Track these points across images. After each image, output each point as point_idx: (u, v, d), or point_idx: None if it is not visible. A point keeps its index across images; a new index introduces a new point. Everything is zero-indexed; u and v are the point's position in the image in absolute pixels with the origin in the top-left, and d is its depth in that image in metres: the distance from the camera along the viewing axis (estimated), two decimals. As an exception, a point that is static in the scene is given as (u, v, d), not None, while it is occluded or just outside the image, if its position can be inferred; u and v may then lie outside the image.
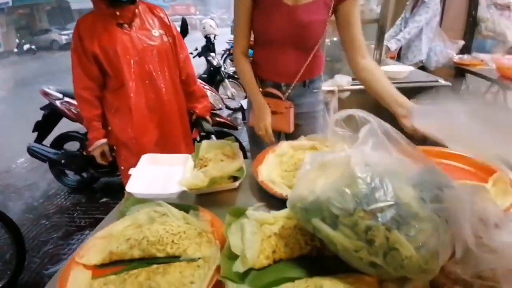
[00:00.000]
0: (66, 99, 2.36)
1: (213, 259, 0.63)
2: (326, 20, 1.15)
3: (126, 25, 1.43)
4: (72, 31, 1.49)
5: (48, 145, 2.53)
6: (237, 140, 1.19)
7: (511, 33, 3.10)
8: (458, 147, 0.90)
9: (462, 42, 3.13)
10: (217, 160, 1.02)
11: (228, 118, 2.75)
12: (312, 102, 1.35)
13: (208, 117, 1.81)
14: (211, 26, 4.21)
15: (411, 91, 2.10)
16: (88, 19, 1.40)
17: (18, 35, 17.77)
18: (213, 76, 4.16)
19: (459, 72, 3.09)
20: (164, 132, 1.62)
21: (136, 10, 1.45)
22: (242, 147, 1.52)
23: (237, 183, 0.94)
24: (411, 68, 2.32)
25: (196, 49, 4.24)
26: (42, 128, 2.51)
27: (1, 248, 1.99)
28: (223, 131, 2.47)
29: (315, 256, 0.64)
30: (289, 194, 0.75)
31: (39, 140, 2.52)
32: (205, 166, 0.99)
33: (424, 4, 2.72)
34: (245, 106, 1.90)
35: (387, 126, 0.63)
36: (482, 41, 3.42)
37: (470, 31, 3.34)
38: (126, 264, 0.66)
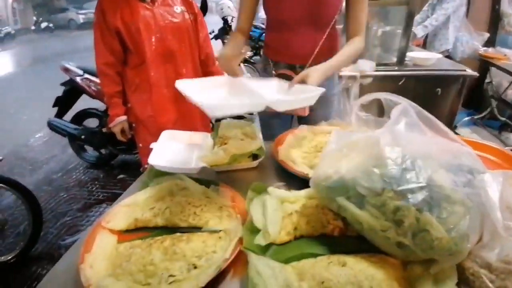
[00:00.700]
0: (87, 75, 2.39)
1: (234, 232, 0.64)
2: None
3: (148, 0, 1.42)
4: (90, 10, 1.49)
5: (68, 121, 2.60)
6: None
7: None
8: None
9: (487, 35, 3.01)
10: (237, 139, 1.02)
11: (244, 102, 2.73)
12: (327, 85, 1.30)
13: None
14: (229, 7, 4.13)
15: (438, 79, 2.04)
16: None
17: (36, 12, 17.93)
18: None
19: (483, 65, 2.98)
20: (182, 112, 1.62)
21: None
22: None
23: (256, 162, 0.94)
24: (439, 55, 2.24)
25: (213, 31, 4.19)
26: (62, 103, 2.56)
27: (15, 220, 2.04)
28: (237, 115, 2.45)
29: (336, 236, 0.64)
30: (312, 172, 0.74)
31: (59, 115, 2.58)
32: (225, 144, 0.99)
33: None
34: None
35: (420, 108, 0.62)
36: (505, 36, 3.28)
37: (494, 25, 3.24)
38: (149, 231, 0.68)
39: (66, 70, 2.43)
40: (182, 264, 0.56)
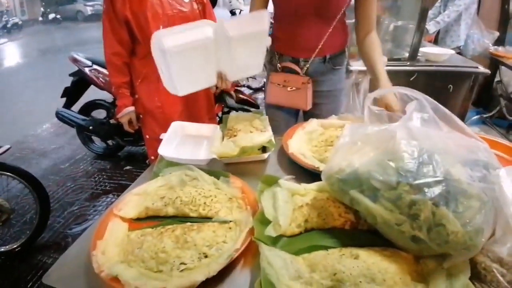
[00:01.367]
0: (95, 66, 2.39)
1: (245, 223, 0.64)
2: None
3: None
4: (97, 2, 1.48)
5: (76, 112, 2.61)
6: None
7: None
8: None
9: (497, 34, 2.98)
10: (246, 131, 1.01)
11: (251, 96, 2.73)
12: (333, 79, 1.28)
13: (232, 92, 1.78)
14: (238, 0, 4.09)
15: (450, 75, 2.01)
16: None
17: (43, 3, 17.95)
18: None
19: (493, 63, 2.95)
20: (188, 104, 1.62)
21: None
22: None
23: (266, 155, 0.94)
24: (452, 51, 2.21)
25: (221, 25, 4.16)
26: (71, 94, 2.57)
27: (22, 209, 2.05)
28: (244, 108, 2.45)
29: (347, 230, 0.63)
30: (324, 165, 0.74)
31: (67, 106, 2.59)
32: (235, 136, 0.99)
33: None
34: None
35: (436, 103, 0.61)
36: None
37: (504, 24, 3.18)
38: (160, 220, 0.68)
39: (75, 60, 2.43)
40: (193, 253, 0.57)
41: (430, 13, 2.86)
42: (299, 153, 0.90)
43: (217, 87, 1.76)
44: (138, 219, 0.69)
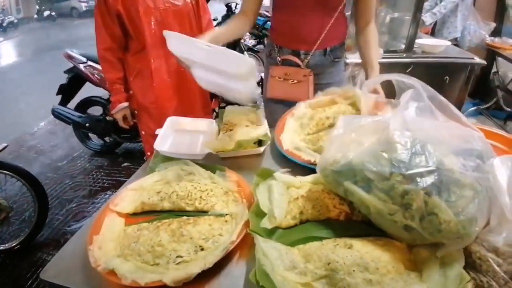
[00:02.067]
0: (90, 63, 2.37)
1: (240, 216, 0.64)
2: None
3: None
4: None
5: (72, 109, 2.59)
6: None
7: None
8: None
9: (494, 25, 2.98)
10: (242, 125, 1.01)
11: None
12: (333, 72, 1.28)
13: None
14: (233, -7, 4.05)
15: (446, 67, 2.00)
16: None
17: (38, 1, 17.76)
18: (232, 48, 4.06)
19: (490, 55, 2.95)
20: (183, 99, 1.61)
21: None
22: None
23: (262, 148, 0.94)
24: (448, 42, 2.20)
25: (216, 19, 4.12)
26: (66, 91, 2.55)
27: (20, 207, 2.04)
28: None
29: (342, 221, 0.64)
30: (319, 158, 0.74)
31: (63, 103, 2.57)
32: (230, 130, 0.99)
33: None
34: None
35: (433, 91, 0.60)
36: (511, 26, 3.23)
37: (500, 15, 3.19)
38: (156, 215, 0.69)
39: (70, 57, 2.41)
40: (189, 246, 0.57)
41: (427, 4, 2.84)
42: (293, 148, 0.90)
43: None
44: (135, 214, 0.69)
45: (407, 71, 1.94)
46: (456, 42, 2.80)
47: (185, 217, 0.64)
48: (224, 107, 2.06)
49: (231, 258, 0.60)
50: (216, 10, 4.63)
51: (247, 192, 0.72)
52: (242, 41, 4.17)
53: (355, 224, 0.62)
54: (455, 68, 1.99)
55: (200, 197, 0.70)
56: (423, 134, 0.54)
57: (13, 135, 3.34)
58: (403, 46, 2.04)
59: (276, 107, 1.31)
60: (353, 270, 0.47)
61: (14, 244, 1.80)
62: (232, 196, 0.73)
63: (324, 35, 1.15)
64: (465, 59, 2.03)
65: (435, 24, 2.86)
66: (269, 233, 0.61)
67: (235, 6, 4.18)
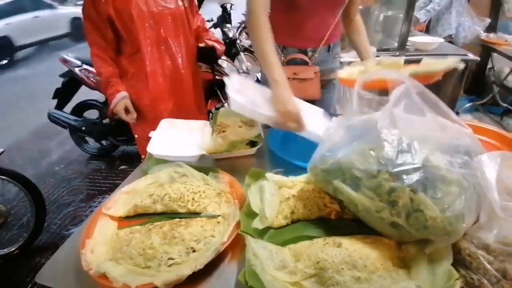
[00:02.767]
0: (85, 66, 2.36)
1: (233, 217, 0.65)
2: None
3: None
4: (75, 3, 1.43)
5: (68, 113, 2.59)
6: None
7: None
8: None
9: (488, 20, 2.97)
10: (235, 127, 1.02)
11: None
12: (333, 68, 1.30)
13: (219, 53, 1.71)
14: (228, -7, 4.04)
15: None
16: None
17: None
18: (228, 49, 4.05)
19: (485, 51, 2.95)
20: (178, 101, 1.61)
21: None
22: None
23: (255, 149, 0.95)
24: (441, 39, 2.21)
25: (211, 20, 4.11)
26: (62, 95, 2.55)
27: (18, 212, 2.00)
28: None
29: (333, 219, 0.64)
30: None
31: (59, 107, 2.57)
32: (223, 131, 0.99)
33: None
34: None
35: (423, 87, 0.61)
36: (506, 22, 3.23)
37: (495, 10, 3.18)
38: (149, 217, 0.69)
39: (65, 61, 2.40)
40: (181, 248, 0.58)
41: (421, 2, 2.85)
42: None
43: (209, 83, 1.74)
44: (128, 217, 0.70)
45: (400, 69, 1.94)
46: (450, 39, 2.81)
47: (177, 219, 0.64)
48: (218, 109, 2.06)
49: (223, 259, 0.60)
50: (211, 10, 4.63)
51: (239, 193, 0.73)
52: (238, 41, 4.17)
53: (346, 222, 0.63)
54: (448, 65, 2.00)
55: (193, 199, 0.71)
56: (411, 132, 0.55)
57: (10, 139, 3.34)
58: (396, 44, 2.05)
59: None
60: (342, 268, 0.48)
61: (13, 249, 1.80)
62: (224, 197, 0.73)
63: (329, 31, 1.17)
64: (458, 56, 2.03)
65: (430, 21, 2.87)
66: (261, 234, 0.61)
67: (230, 7, 4.17)
